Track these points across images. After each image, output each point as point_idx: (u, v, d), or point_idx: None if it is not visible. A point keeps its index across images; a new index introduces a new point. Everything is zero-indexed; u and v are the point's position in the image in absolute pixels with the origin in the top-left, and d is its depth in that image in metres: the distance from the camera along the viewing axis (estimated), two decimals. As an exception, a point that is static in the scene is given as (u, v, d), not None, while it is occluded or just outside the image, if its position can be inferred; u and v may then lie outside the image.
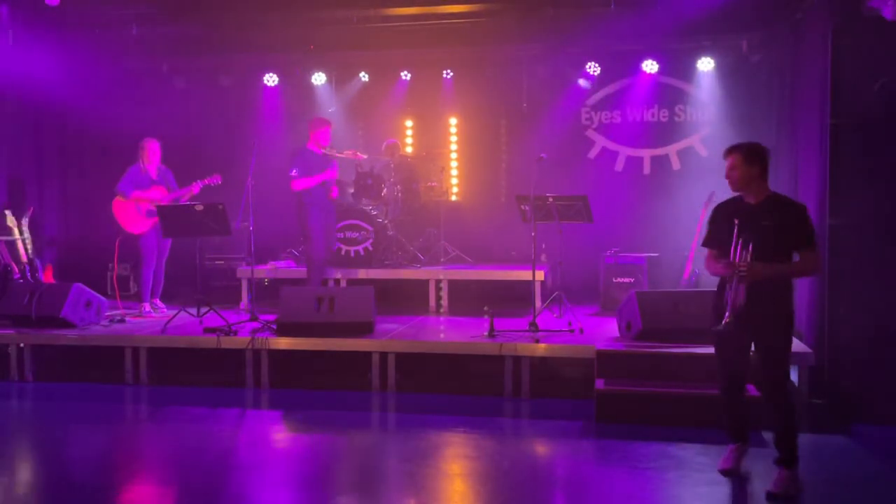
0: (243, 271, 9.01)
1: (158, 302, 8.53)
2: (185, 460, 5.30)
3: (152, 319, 8.15)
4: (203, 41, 9.52)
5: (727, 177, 4.67)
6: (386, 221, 9.30)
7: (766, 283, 4.53)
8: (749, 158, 4.58)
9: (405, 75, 10.31)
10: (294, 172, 8.08)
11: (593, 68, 9.69)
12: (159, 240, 8.40)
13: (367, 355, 6.91)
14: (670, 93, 9.90)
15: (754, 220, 4.55)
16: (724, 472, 4.80)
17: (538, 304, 8.14)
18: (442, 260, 9.72)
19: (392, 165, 9.55)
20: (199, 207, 7.55)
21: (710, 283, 8.28)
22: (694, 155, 9.79)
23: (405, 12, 8.91)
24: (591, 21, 8.81)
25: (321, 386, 7.05)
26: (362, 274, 8.95)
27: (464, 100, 10.42)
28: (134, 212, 8.31)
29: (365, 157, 9.58)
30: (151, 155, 8.40)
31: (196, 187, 8.27)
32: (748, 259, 4.51)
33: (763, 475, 4.86)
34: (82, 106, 9.11)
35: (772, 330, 4.60)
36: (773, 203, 4.61)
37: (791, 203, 4.65)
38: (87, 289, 7.76)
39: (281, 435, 5.99)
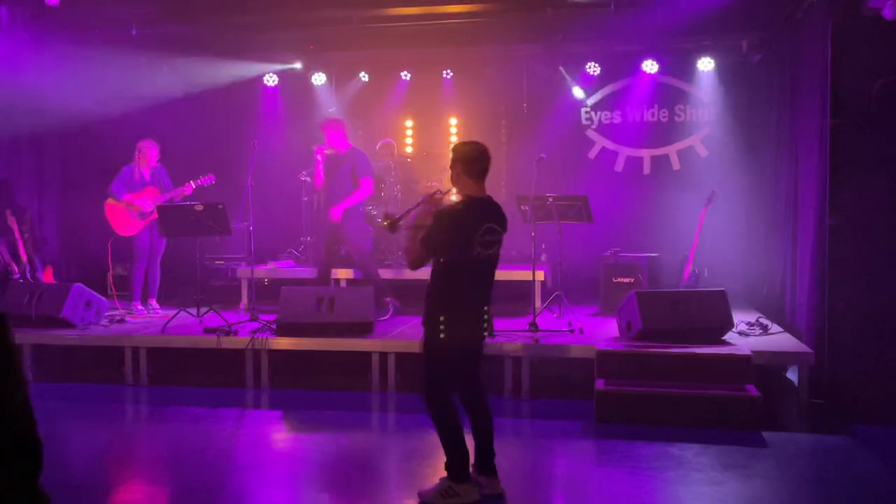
0: (243, 271, 9.01)
1: (154, 302, 8.51)
2: (185, 460, 5.30)
3: (144, 318, 8.16)
4: (203, 41, 9.51)
5: None
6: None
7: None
8: (453, 157, 4.31)
9: (405, 75, 10.30)
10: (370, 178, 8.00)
11: (593, 68, 9.67)
12: (153, 240, 8.39)
13: (366, 355, 6.91)
14: (670, 93, 9.88)
15: None
16: None
17: (538, 304, 8.14)
18: (442, 260, 9.68)
19: (391, 166, 9.55)
20: (199, 207, 7.55)
21: (710, 283, 8.37)
22: (694, 155, 9.78)
23: (405, 12, 8.89)
24: (591, 21, 8.79)
25: (321, 386, 7.05)
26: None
27: (464, 100, 10.42)
28: (125, 214, 8.29)
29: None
30: (149, 157, 8.39)
31: (188, 188, 8.24)
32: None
33: (763, 475, 4.86)
34: (82, 106, 9.10)
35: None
36: None
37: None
38: (87, 289, 7.75)
39: (281, 435, 5.99)
